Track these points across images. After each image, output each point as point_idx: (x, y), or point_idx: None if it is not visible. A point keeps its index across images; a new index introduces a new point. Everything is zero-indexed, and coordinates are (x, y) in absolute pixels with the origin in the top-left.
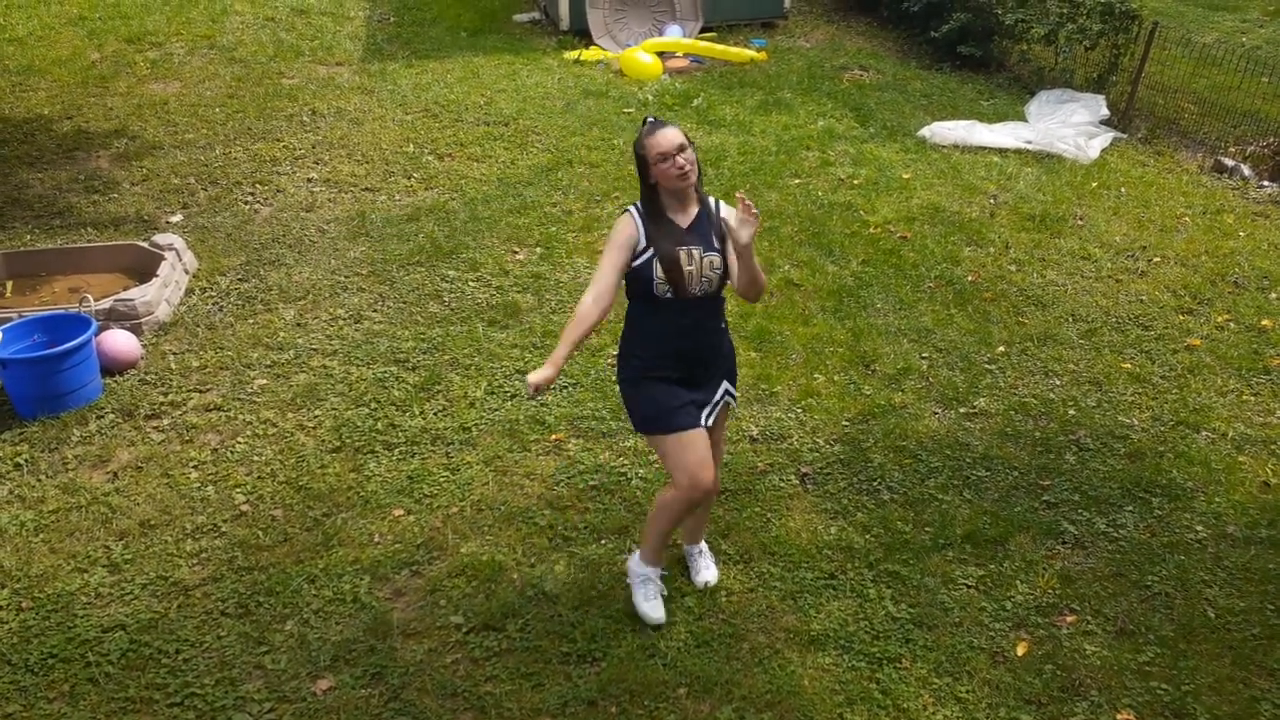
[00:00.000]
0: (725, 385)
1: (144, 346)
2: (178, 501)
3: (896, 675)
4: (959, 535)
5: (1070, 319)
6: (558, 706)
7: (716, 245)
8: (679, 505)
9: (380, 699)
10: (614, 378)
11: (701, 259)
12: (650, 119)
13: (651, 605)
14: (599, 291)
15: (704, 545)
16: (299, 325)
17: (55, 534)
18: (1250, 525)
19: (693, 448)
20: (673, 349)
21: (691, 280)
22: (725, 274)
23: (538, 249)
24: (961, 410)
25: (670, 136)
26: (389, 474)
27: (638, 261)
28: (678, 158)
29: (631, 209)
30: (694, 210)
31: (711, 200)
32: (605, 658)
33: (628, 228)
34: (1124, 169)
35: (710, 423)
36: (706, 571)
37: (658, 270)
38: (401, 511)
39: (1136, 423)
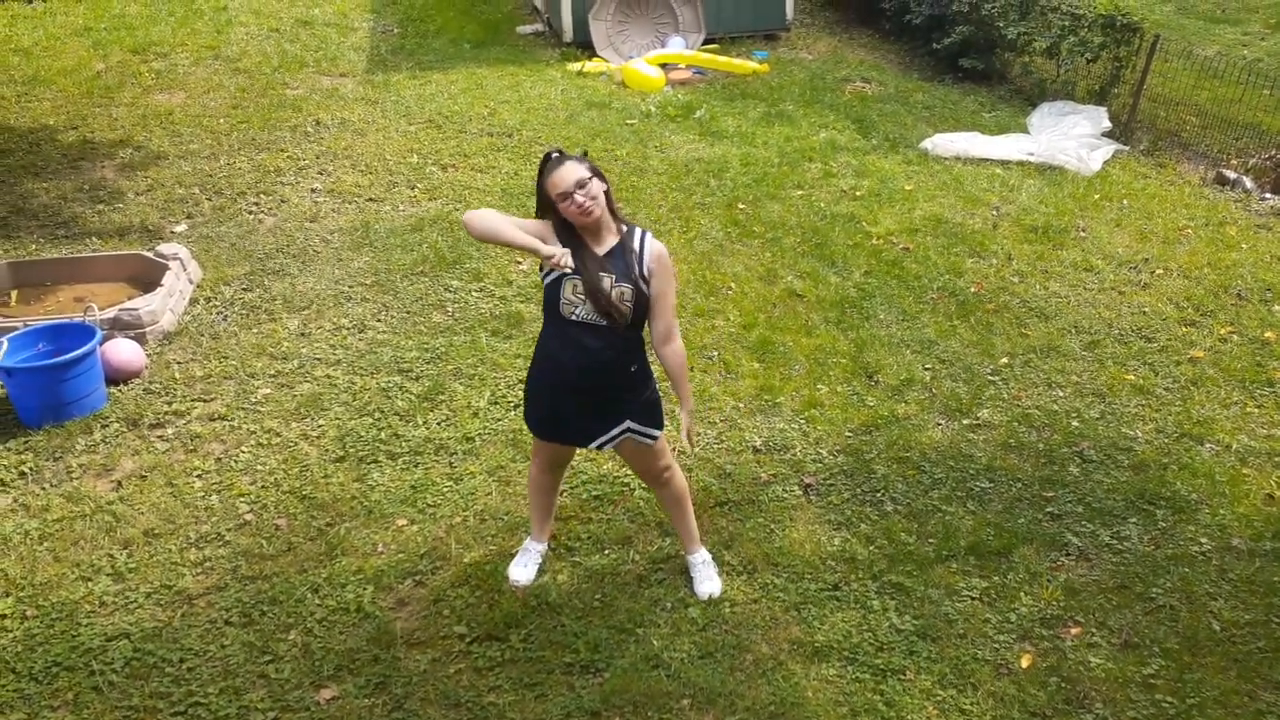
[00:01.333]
0: (627, 423)
1: (148, 356)
2: (182, 510)
3: (900, 687)
4: (963, 547)
5: (1073, 330)
6: (561, 717)
7: (630, 278)
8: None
9: (383, 709)
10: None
11: (611, 289)
12: (553, 153)
13: (517, 570)
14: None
15: (706, 555)
16: (303, 335)
17: (59, 542)
18: (1255, 537)
19: (546, 452)
20: (565, 374)
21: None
22: (637, 311)
23: None
24: (965, 421)
25: (567, 174)
26: (392, 484)
27: (548, 279)
28: (576, 195)
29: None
30: (610, 240)
31: (638, 233)
32: (608, 668)
33: (544, 229)
34: (1126, 181)
35: (606, 449)
36: (709, 583)
37: (569, 287)
38: (405, 521)
39: (1140, 435)
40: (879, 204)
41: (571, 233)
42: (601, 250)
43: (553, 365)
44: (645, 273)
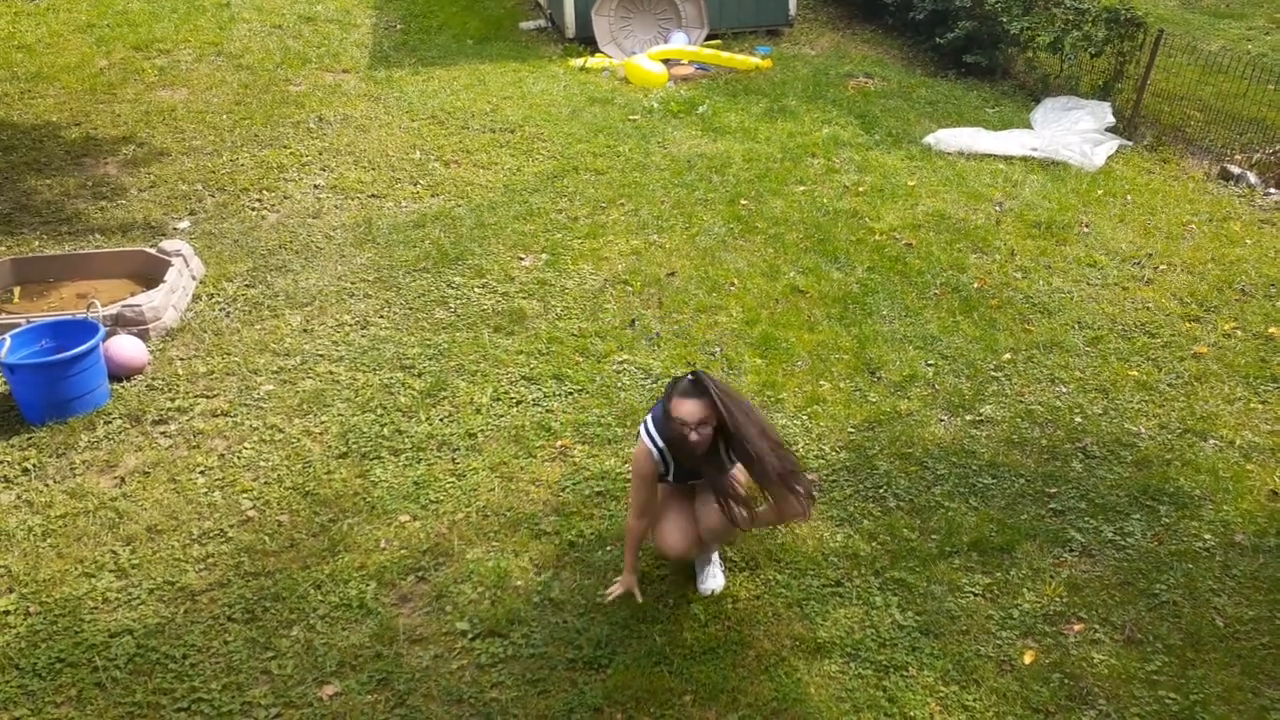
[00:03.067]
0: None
1: (151, 352)
2: (184, 507)
3: (903, 683)
4: (965, 543)
5: (1076, 326)
6: (563, 713)
7: (726, 465)
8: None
9: (386, 705)
10: (619, 384)
11: (714, 478)
12: (691, 377)
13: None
14: (639, 510)
15: (713, 553)
16: (305, 331)
17: (63, 539)
18: (1259, 533)
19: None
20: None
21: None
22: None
23: (543, 255)
24: (968, 417)
25: (691, 410)
26: (395, 480)
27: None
28: (692, 433)
29: (646, 437)
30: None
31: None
32: (611, 664)
33: (648, 461)
34: (1130, 176)
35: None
36: (713, 580)
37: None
38: (408, 517)
39: (1143, 430)
40: (882, 200)
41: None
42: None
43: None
44: (730, 458)
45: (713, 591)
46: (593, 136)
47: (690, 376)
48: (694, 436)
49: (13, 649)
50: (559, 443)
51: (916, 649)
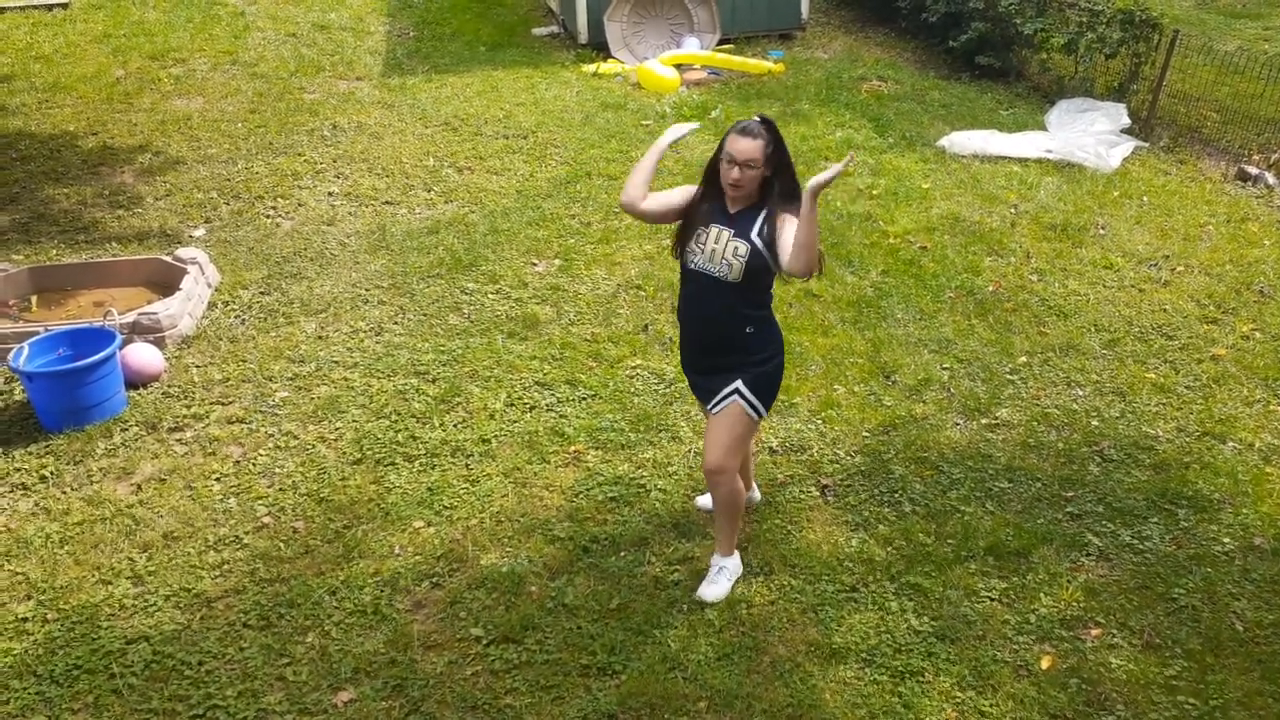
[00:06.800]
0: (737, 383)
1: (167, 360)
2: (200, 514)
3: (919, 689)
4: (981, 547)
5: (1093, 329)
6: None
7: (753, 240)
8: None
9: (400, 711)
10: (632, 389)
11: (729, 242)
12: (759, 117)
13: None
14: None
15: (725, 563)
16: (320, 338)
17: (80, 546)
18: (1278, 537)
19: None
20: (687, 319)
21: (712, 256)
22: (754, 267)
23: (557, 261)
24: (983, 421)
25: (744, 147)
26: (409, 486)
27: (681, 230)
28: (734, 169)
29: (699, 187)
30: (746, 207)
31: (775, 210)
32: (625, 671)
33: (687, 191)
34: (1146, 178)
35: (714, 412)
36: (712, 587)
37: (690, 241)
38: (422, 523)
39: (1161, 433)
40: (896, 203)
41: (714, 184)
42: (735, 209)
43: (682, 318)
44: (763, 231)
45: (700, 597)
46: (605, 142)
47: (759, 117)
48: (735, 174)
49: (30, 656)
50: (572, 448)
51: (932, 654)
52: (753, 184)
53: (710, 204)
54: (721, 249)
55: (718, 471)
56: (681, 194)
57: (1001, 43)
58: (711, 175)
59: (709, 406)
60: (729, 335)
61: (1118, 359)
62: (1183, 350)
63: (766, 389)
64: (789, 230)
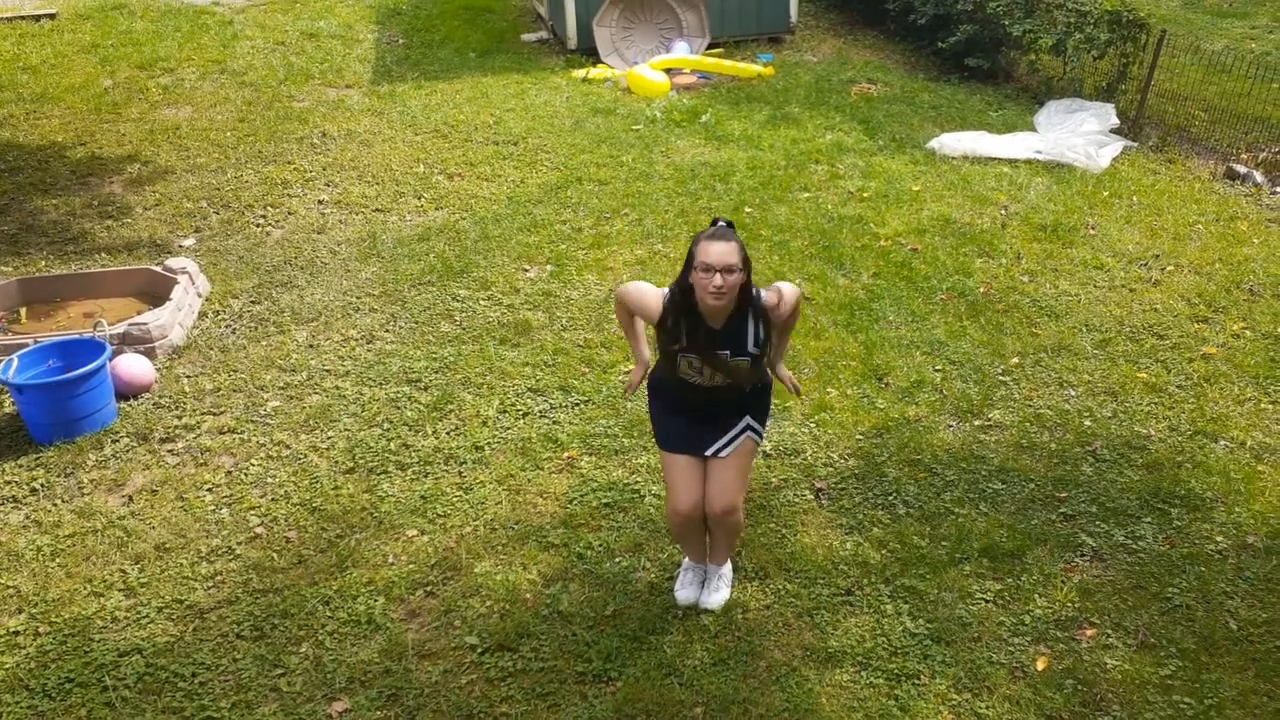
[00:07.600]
0: (746, 420)
1: (158, 370)
2: (192, 524)
3: (915, 691)
4: (976, 549)
5: (1084, 329)
6: None
7: (750, 352)
8: (670, 520)
9: None
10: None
11: (729, 362)
12: (721, 221)
13: (680, 591)
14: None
15: (723, 569)
16: (311, 347)
17: (71, 558)
18: (1271, 535)
19: (677, 470)
20: (687, 405)
21: (713, 376)
22: (756, 366)
23: (548, 267)
24: (976, 423)
25: (720, 253)
26: (402, 494)
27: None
28: (715, 277)
29: (667, 290)
30: (731, 317)
31: (756, 299)
32: (621, 677)
33: (655, 297)
34: (1135, 177)
35: (724, 455)
36: (708, 596)
37: (685, 364)
38: (415, 532)
39: (1153, 433)
40: (886, 205)
41: (689, 300)
42: (719, 323)
43: (673, 402)
44: (758, 339)
45: (704, 606)
46: (596, 147)
47: (721, 220)
48: (718, 281)
49: (22, 669)
50: (566, 454)
51: (928, 657)
52: (734, 290)
53: (692, 331)
54: (726, 370)
55: (732, 511)
56: (638, 307)
57: (990, 44)
58: (683, 298)
59: (710, 452)
60: (731, 400)
61: (1109, 359)
62: (1174, 349)
63: (766, 410)
64: (775, 335)
